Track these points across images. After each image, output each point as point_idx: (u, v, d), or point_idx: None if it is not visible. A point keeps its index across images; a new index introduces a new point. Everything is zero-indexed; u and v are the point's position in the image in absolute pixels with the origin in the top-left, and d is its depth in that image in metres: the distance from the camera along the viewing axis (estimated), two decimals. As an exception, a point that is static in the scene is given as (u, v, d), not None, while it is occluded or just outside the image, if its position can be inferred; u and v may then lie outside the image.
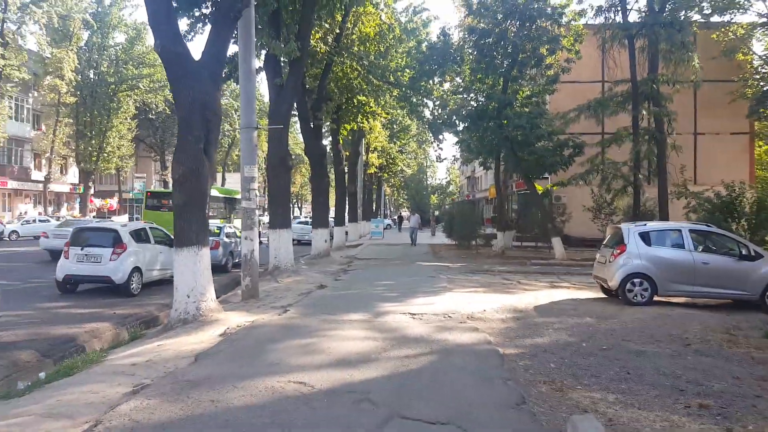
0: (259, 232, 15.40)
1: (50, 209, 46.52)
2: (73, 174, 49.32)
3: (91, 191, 49.95)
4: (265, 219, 42.96)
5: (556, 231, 21.38)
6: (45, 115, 43.66)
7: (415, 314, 8.93)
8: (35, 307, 10.35)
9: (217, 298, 13.33)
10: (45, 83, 39.63)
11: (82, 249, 11.82)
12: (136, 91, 47.29)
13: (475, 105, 23.15)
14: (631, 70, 20.70)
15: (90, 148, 44.63)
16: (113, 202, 51.56)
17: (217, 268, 16.47)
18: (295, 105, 21.45)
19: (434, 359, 6.21)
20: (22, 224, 31.53)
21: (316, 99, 21.53)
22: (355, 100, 25.32)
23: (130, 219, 49.13)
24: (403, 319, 8.56)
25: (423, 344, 6.86)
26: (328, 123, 22.41)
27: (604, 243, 12.43)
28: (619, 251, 11.25)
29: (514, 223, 27.56)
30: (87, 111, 44.45)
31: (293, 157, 15.61)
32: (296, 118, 21.21)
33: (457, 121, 23.99)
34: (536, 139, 20.75)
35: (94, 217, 46.63)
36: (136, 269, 12.05)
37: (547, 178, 25.60)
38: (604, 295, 12.02)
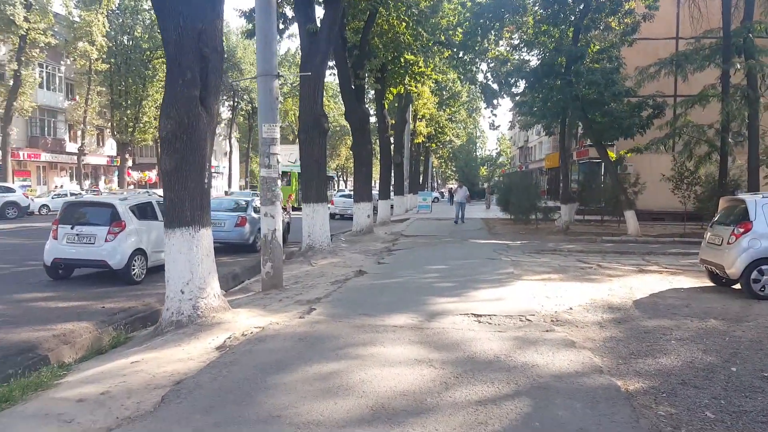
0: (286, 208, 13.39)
1: (87, 182, 46.11)
2: (110, 146, 48.73)
3: (129, 164, 49.35)
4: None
5: (629, 203, 18.50)
6: (78, 84, 42.78)
7: (480, 316, 6.63)
8: (10, 298, 8.56)
9: (238, 285, 11.47)
10: (75, 49, 38.45)
11: (72, 228, 9.97)
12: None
13: (539, 61, 20.27)
14: (723, 17, 17.46)
15: (125, 119, 43.69)
16: (152, 174, 50.81)
17: (243, 248, 14.61)
18: (333, 62, 19.27)
19: (525, 409, 3.91)
20: (52, 198, 30.57)
21: (357, 55, 19.16)
22: (402, 59, 22.78)
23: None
24: (465, 324, 6.27)
25: (502, 375, 4.56)
26: (371, 83, 19.96)
27: (717, 219, 9.78)
28: (742, 230, 8.64)
29: (577, 196, 24.61)
30: (121, 79, 43.40)
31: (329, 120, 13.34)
32: (335, 77, 18.98)
33: (517, 81, 21.19)
34: (612, 98, 17.79)
35: (131, 190, 46.07)
36: (139, 251, 10.14)
37: (613, 145, 22.55)
38: (711, 284, 9.48)
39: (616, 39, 19.36)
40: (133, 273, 10.05)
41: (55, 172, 44.24)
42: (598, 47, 19.88)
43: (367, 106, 21.06)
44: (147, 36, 44.98)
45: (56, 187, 40.73)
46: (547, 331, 6.00)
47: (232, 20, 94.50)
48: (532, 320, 6.49)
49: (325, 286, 9.13)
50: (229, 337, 5.86)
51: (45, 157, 41.46)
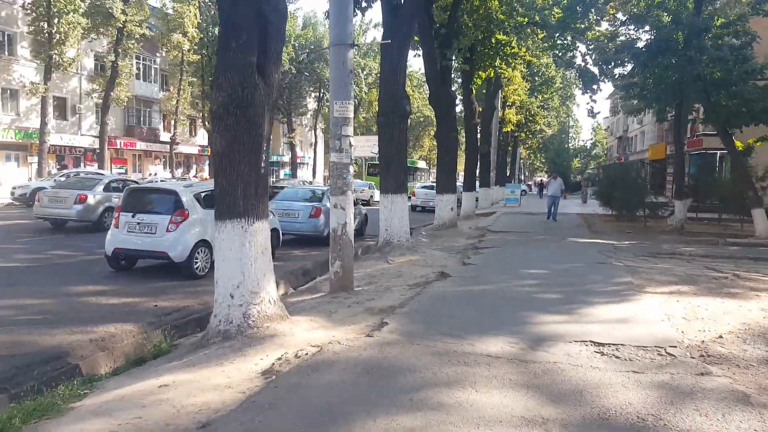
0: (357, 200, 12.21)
1: (179, 171, 47.57)
2: (201, 135, 50.01)
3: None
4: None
5: (758, 200, 15.80)
6: (171, 75, 44.08)
7: (603, 345, 5.06)
8: (62, 291, 7.94)
9: (308, 283, 10.42)
10: (169, 41, 39.46)
11: (133, 216, 9.27)
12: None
13: (651, 38, 17.81)
14: None
15: (216, 109, 44.37)
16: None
17: (318, 241, 13.62)
18: (419, 41, 17.91)
19: None
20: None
21: (445, 34, 17.69)
22: (493, 40, 21.01)
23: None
24: (584, 356, 4.73)
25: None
26: (459, 64, 18.36)
27: None
28: None
29: (690, 191, 21.79)
30: (212, 70, 44.13)
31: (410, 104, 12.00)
32: (419, 63, 17.62)
33: (624, 61, 18.83)
34: (742, 77, 15.19)
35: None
36: (203, 243, 9.29)
37: (732, 134, 19.52)
38: None
39: (748, 8, 16.58)
40: (195, 267, 9.24)
41: (150, 161, 46.00)
42: (721, 21, 17.16)
43: (453, 90, 19.46)
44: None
45: (150, 174, 42.22)
46: (702, 374, 4.36)
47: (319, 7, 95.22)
48: (676, 355, 4.84)
49: (401, 290, 7.83)
50: (279, 358, 4.69)
51: (140, 145, 43.11)
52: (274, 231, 11.61)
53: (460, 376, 4.10)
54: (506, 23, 20.16)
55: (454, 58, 17.44)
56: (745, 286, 8.36)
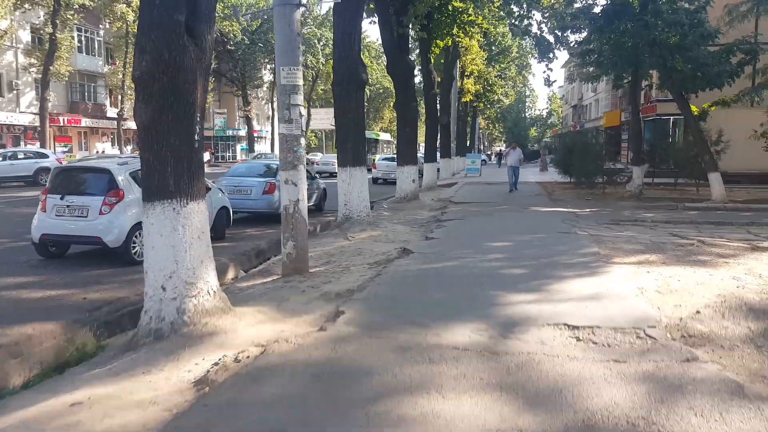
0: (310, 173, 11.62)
1: (129, 147, 45.56)
2: (153, 110, 47.87)
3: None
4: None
5: (714, 165, 15.81)
6: (116, 48, 41.81)
7: (578, 329, 4.62)
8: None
9: (261, 264, 9.76)
10: (111, 11, 37.17)
11: (62, 198, 8.37)
12: (211, 18, 44.08)
13: (608, 2, 17.46)
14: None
15: (165, 81, 42.37)
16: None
17: (273, 219, 12.87)
18: (372, 7, 17.12)
19: None
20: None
21: (401, 0, 16.89)
22: (450, 7, 20.39)
23: (212, 157, 47.44)
24: (559, 345, 4.28)
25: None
26: (416, 31, 17.64)
27: None
28: None
29: (646, 156, 21.84)
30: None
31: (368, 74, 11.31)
32: (375, 24, 16.81)
33: (580, 27, 18.48)
34: (697, 42, 15.01)
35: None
36: (141, 226, 8.48)
37: (687, 98, 19.50)
38: None
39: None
40: (134, 251, 8.44)
41: (97, 138, 43.81)
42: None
43: (412, 60, 18.76)
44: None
45: (97, 152, 40.18)
46: (687, 360, 3.96)
47: None
48: (656, 337, 4.44)
49: (360, 270, 7.28)
50: (216, 363, 4.07)
51: (85, 122, 40.89)
52: (223, 209, 10.87)
53: (424, 377, 3.58)
54: (463, -12, 19.55)
55: (410, 25, 16.69)
56: (712, 253, 8.14)
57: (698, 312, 5.21)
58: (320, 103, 78.97)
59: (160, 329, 4.87)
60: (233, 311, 5.36)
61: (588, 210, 14.05)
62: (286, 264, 7.14)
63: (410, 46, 20.48)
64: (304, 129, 7.19)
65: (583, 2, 19.20)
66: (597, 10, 17.35)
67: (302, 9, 7.08)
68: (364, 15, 18.05)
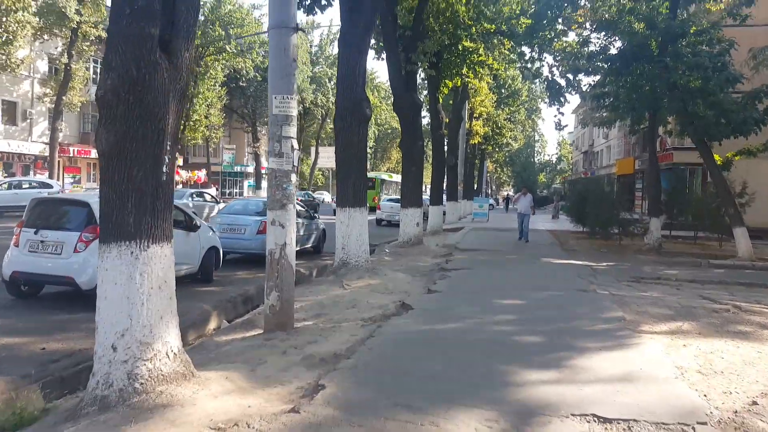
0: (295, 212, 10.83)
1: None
2: (163, 144, 47.70)
3: (179, 162, 48.30)
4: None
5: (739, 219, 14.94)
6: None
7: (610, 422, 3.74)
8: None
9: (247, 313, 8.89)
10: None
11: (36, 232, 7.63)
12: (224, 54, 44.43)
13: (622, 46, 17.00)
14: None
15: (176, 117, 42.28)
16: (201, 174, 49.60)
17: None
18: (381, 44, 16.74)
19: None
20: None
21: (410, 37, 16.53)
22: (459, 46, 20.04)
23: (219, 193, 47.02)
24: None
25: None
26: (424, 69, 17.15)
27: None
28: None
29: (664, 207, 21.00)
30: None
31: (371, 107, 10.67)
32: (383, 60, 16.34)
33: (595, 68, 17.96)
34: (720, 85, 14.37)
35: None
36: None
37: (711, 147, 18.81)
38: None
39: (724, 14, 15.83)
40: (105, 294, 7.62)
41: (106, 170, 43.51)
42: (695, 28, 16.43)
43: (419, 97, 18.27)
44: (200, 32, 43.74)
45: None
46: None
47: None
48: (713, 439, 3.54)
49: (352, 327, 6.41)
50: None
51: (95, 153, 40.66)
52: (212, 249, 10.09)
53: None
54: (473, 29, 19.22)
55: (419, 63, 16.24)
56: (752, 322, 7.23)
57: (755, 403, 4.31)
58: (328, 141, 79.26)
59: (106, 397, 4.02)
60: (196, 377, 4.50)
61: (605, 264, 13.16)
62: (269, 318, 6.29)
63: (418, 84, 20.09)
64: (296, 164, 6.45)
65: (598, 45, 18.77)
66: (613, 51, 16.85)
67: (299, 33, 6.45)
68: (373, 52, 17.74)
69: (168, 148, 4.49)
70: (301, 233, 13.30)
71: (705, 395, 4.39)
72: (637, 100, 16.02)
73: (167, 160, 4.47)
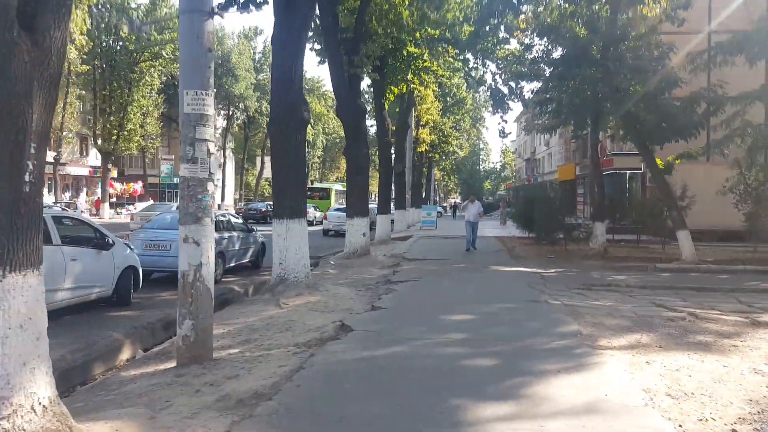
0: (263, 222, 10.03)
1: (66, 194, 42.71)
2: (94, 155, 45.25)
3: (113, 174, 45.91)
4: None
5: (682, 222, 14.93)
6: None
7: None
8: None
9: (161, 344, 7.86)
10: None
11: None
12: (160, 60, 42.52)
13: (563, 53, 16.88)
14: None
15: (109, 126, 40.18)
16: (137, 186, 47.29)
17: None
18: (321, 47, 16.06)
19: None
20: None
21: (352, 39, 15.88)
22: (404, 51, 19.58)
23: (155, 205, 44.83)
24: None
25: None
26: (368, 73, 16.50)
27: None
28: None
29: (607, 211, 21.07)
30: (105, 83, 40.00)
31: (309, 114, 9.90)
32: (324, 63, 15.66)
33: (538, 73, 17.82)
34: (661, 89, 14.40)
35: (114, 203, 42.64)
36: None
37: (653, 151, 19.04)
38: None
39: (662, 18, 15.90)
40: None
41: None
42: (634, 33, 16.50)
43: (363, 102, 17.61)
44: (134, 37, 41.68)
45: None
46: None
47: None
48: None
49: (282, 356, 5.60)
50: None
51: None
52: (129, 269, 9.02)
53: None
54: (417, 34, 18.78)
55: (362, 66, 15.58)
56: (710, 331, 6.84)
57: (734, 431, 3.77)
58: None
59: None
60: (75, 429, 3.60)
61: (553, 271, 12.80)
62: (182, 351, 5.39)
63: (364, 90, 19.49)
64: (213, 171, 5.60)
65: (541, 50, 18.62)
66: (556, 56, 16.71)
67: (216, 19, 5.62)
68: (314, 55, 16.94)
69: (34, 151, 3.61)
70: (237, 247, 12.34)
71: (680, 425, 3.83)
72: (580, 105, 15.88)
73: (31, 167, 3.57)
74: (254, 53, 63.66)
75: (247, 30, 63.91)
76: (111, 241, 8.47)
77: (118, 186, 46.12)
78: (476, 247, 17.47)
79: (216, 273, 11.43)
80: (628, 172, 26.77)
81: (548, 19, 17.13)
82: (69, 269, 7.42)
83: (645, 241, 19.56)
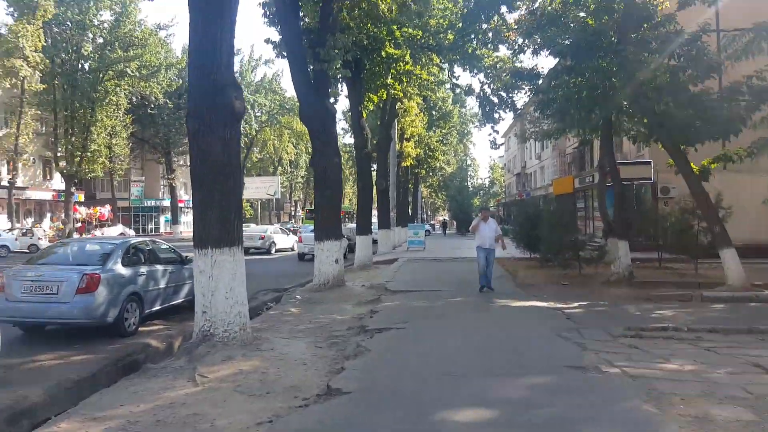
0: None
1: (29, 220, 39.37)
2: (58, 179, 42.02)
3: (80, 198, 42.67)
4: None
5: (727, 239, 12.07)
6: (9, 108, 36.40)
7: None
8: None
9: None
10: (3, 66, 32.07)
11: None
12: (126, 78, 39.61)
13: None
14: None
15: (71, 147, 37.07)
16: (105, 210, 43.98)
17: (100, 332, 8.09)
18: (279, 38, 13.37)
19: None
20: None
21: (317, 30, 13.23)
22: (383, 53, 16.93)
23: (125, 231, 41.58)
24: None
25: None
26: (338, 70, 13.69)
27: None
28: None
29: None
30: (66, 103, 36.96)
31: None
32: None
33: (541, 71, 15.20)
34: (697, 79, 11.77)
35: (77, 228, 39.30)
36: None
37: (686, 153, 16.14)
38: None
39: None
40: None
41: (-16, 210, 37.53)
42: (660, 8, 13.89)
43: (332, 103, 14.79)
44: (97, 55, 38.83)
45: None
46: None
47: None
48: None
49: None
50: None
51: None
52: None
53: None
54: (397, 32, 16.14)
55: (330, 61, 12.77)
56: None
57: None
58: (256, 171, 74.49)
59: None
60: None
61: (576, 305, 9.95)
62: None
63: (336, 92, 16.72)
64: None
65: (537, 45, 15.95)
66: (567, 39, 13.94)
67: None
68: (271, 48, 14.21)
69: None
70: (163, 285, 9.31)
71: None
72: (592, 102, 13.14)
73: None
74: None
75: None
76: None
77: (83, 210, 42.76)
78: (492, 287, 12.05)
79: (129, 321, 8.50)
80: (635, 182, 24.09)
81: (549, 8, 14.51)
82: None
83: (667, 260, 16.85)
